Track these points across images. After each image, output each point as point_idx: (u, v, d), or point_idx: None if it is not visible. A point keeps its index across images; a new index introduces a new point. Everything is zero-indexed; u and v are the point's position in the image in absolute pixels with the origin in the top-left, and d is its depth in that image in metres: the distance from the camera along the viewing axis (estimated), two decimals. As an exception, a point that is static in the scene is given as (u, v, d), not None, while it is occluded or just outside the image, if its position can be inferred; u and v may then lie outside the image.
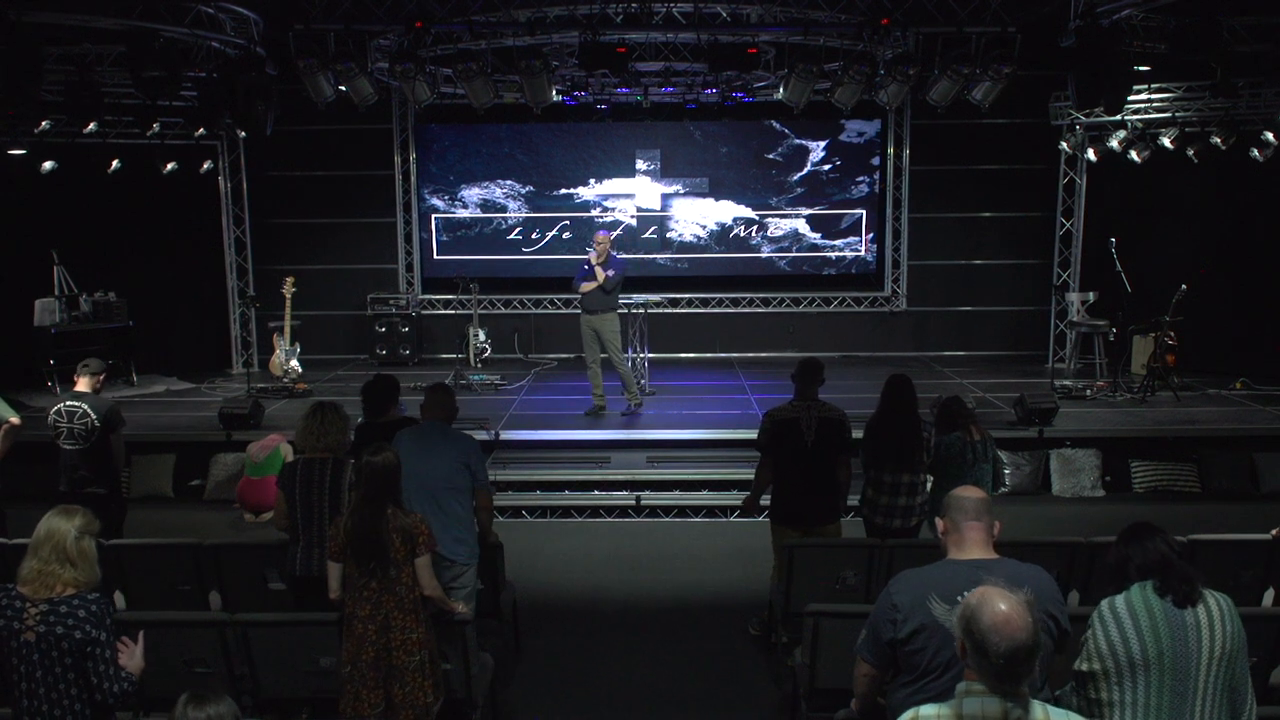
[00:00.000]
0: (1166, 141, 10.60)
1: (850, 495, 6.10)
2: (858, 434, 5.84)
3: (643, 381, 10.35)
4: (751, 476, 8.35)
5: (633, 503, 8.60)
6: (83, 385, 6.19)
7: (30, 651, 3.25)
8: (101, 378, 6.33)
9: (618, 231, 12.88)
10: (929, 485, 5.89)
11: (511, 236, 13.27)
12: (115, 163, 11.39)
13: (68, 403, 6.09)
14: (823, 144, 13.06)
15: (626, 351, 10.05)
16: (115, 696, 3.32)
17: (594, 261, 9.51)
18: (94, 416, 6.05)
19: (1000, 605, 2.44)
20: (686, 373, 12.16)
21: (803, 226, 13.23)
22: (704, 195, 13.18)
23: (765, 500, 6.07)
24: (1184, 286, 10.20)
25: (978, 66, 9.21)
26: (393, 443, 4.98)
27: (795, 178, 13.15)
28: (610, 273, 9.49)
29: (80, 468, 6.07)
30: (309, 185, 12.95)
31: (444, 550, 4.87)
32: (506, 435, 9.14)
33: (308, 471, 4.81)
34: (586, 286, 9.59)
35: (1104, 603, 3.17)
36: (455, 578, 4.93)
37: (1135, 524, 3.29)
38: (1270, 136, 10.08)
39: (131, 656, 3.48)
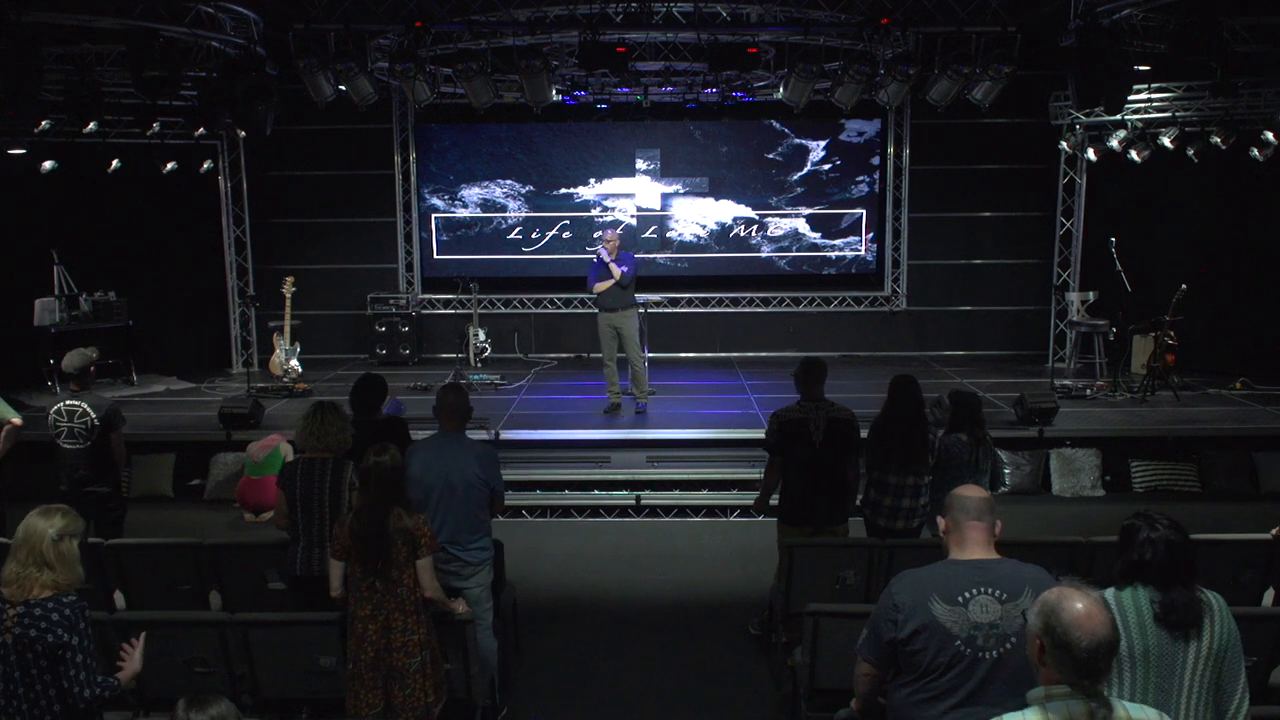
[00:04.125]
0: (1166, 141, 10.60)
1: (851, 495, 6.10)
2: (864, 434, 5.83)
3: (624, 383, 10.33)
4: (751, 476, 8.46)
5: (633, 503, 8.59)
6: (76, 386, 6.17)
7: (8, 653, 3.26)
8: (91, 370, 6.27)
9: (620, 229, 12.86)
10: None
11: (511, 236, 13.27)
12: (115, 163, 11.39)
13: (68, 402, 6.08)
14: (823, 144, 13.06)
15: (643, 350, 10.09)
16: (86, 701, 3.31)
17: (605, 258, 9.53)
18: (93, 416, 6.04)
19: (1078, 603, 2.47)
20: (686, 373, 12.16)
21: (803, 226, 13.23)
22: (704, 195, 13.18)
23: (774, 501, 6.05)
24: (1184, 286, 10.19)
25: (978, 66, 9.21)
26: (409, 453, 5.01)
27: (795, 177, 13.15)
28: (624, 269, 9.51)
29: (80, 467, 6.07)
30: (309, 185, 12.94)
31: (460, 552, 4.93)
32: (506, 435, 9.14)
33: (308, 471, 4.81)
34: (601, 286, 9.62)
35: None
36: (470, 576, 4.99)
37: (1149, 516, 3.18)
38: (1270, 136, 10.08)
39: (130, 659, 3.48)
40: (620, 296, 9.62)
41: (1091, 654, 2.41)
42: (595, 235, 12.98)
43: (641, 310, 10.02)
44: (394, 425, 5.79)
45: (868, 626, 3.34)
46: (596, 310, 9.90)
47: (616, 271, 9.48)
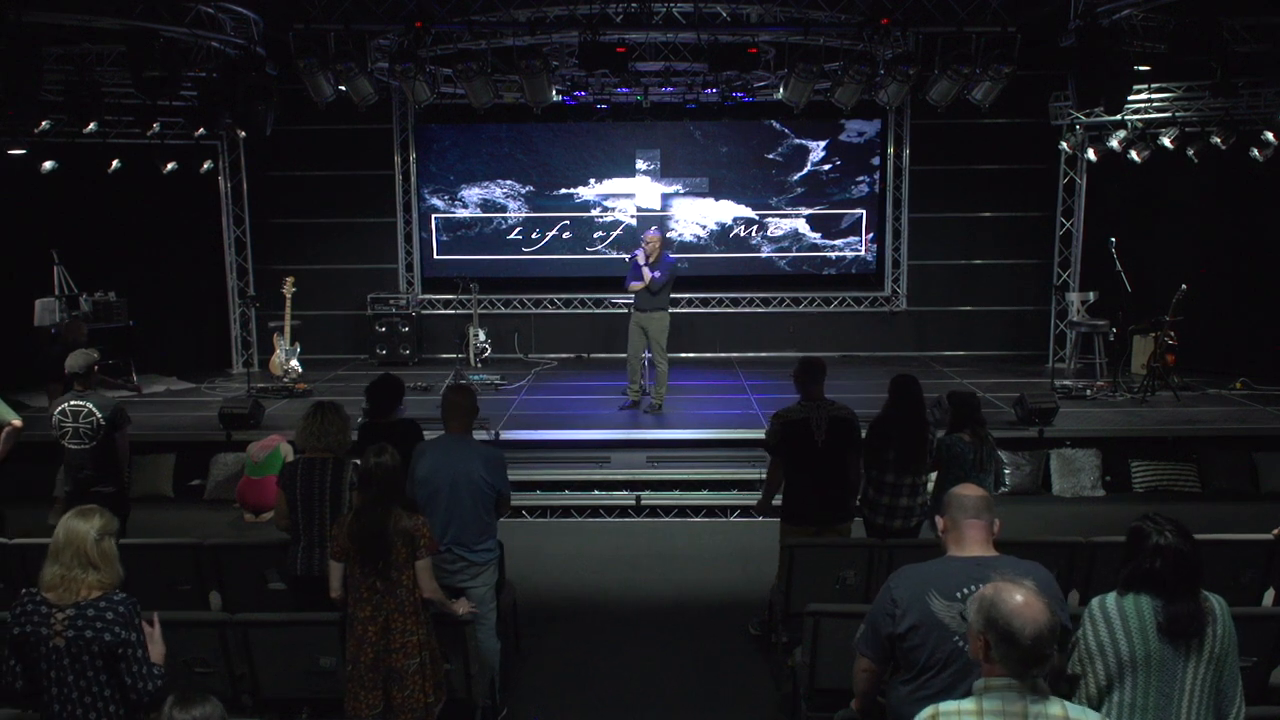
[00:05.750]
0: (1166, 141, 10.59)
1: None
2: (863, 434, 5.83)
3: (644, 382, 10.36)
4: (751, 476, 8.46)
5: (633, 503, 8.59)
6: (80, 386, 6.17)
7: (60, 656, 3.25)
8: (95, 370, 6.26)
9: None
10: (929, 486, 5.88)
11: (511, 236, 13.26)
12: (115, 163, 11.39)
13: (73, 402, 6.06)
14: (823, 144, 13.06)
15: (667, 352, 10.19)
16: (149, 695, 3.33)
17: (641, 261, 9.63)
18: (99, 415, 6.03)
19: (1017, 595, 2.50)
20: (686, 372, 12.15)
21: (803, 226, 13.22)
22: (704, 195, 13.18)
23: (777, 501, 6.05)
24: (1184, 286, 10.20)
25: (978, 66, 9.21)
26: (416, 453, 5.00)
27: (795, 178, 13.15)
28: (656, 274, 9.60)
29: (85, 467, 6.05)
30: (309, 185, 12.94)
31: (466, 553, 4.93)
32: (506, 435, 9.15)
33: (308, 471, 4.81)
34: (634, 286, 9.78)
35: (1095, 601, 3.16)
36: (475, 575, 4.99)
37: (1158, 523, 3.15)
38: (1270, 136, 10.07)
39: (154, 641, 3.49)
40: (650, 299, 9.76)
41: (1035, 642, 2.44)
42: (604, 234, 13.04)
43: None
44: (409, 428, 5.74)
45: (866, 621, 3.35)
46: (631, 308, 10.06)
47: (647, 276, 9.59)
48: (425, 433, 5.66)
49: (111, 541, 3.39)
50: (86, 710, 3.27)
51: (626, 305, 10.24)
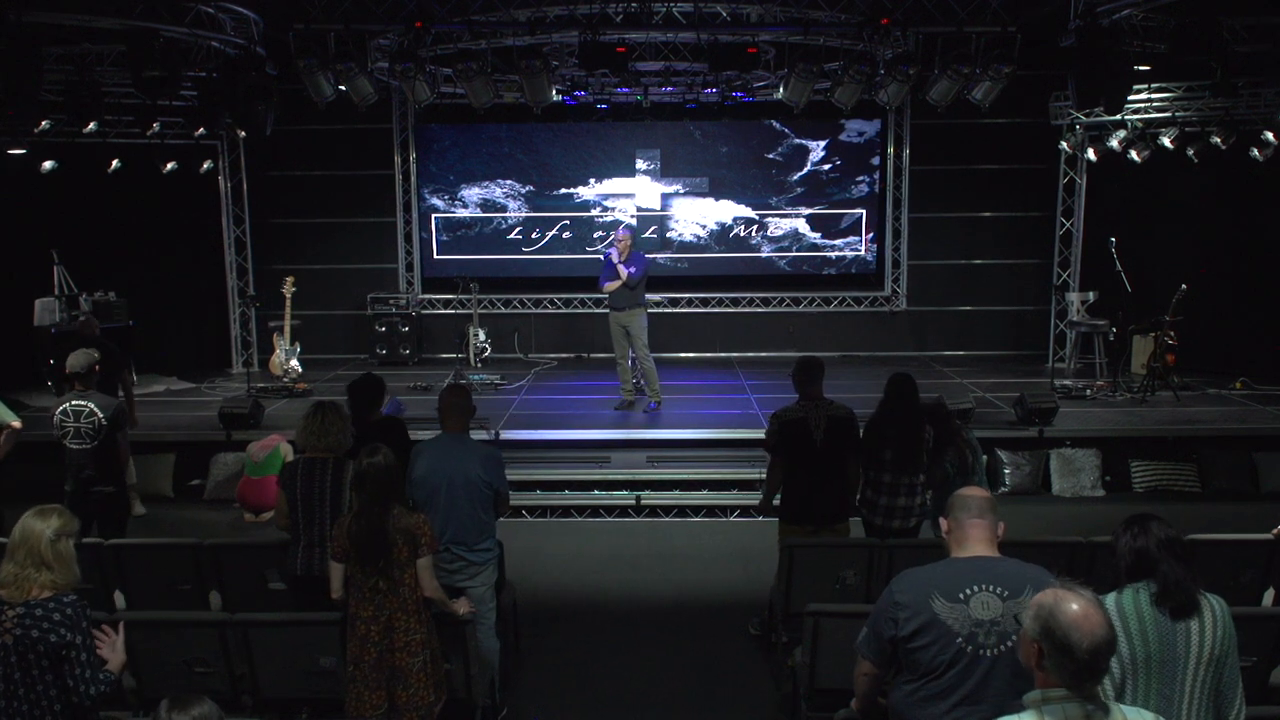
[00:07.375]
0: (1166, 141, 10.59)
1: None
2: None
3: (641, 381, 10.36)
4: (751, 476, 8.46)
5: (633, 503, 8.59)
6: (81, 386, 6.17)
7: (8, 654, 3.26)
8: (95, 370, 6.28)
9: (629, 230, 12.85)
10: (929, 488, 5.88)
11: (511, 236, 13.26)
12: (115, 163, 11.38)
13: (74, 402, 6.06)
14: (823, 144, 13.06)
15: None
16: (91, 698, 3.33)
17: (615, 259, 9.64)
18: (101, 415, 6.03)
19: (1074, 604, 2.45)
20: (686, 372, 12.15)
21: (803, 226, 13.22)
22: (704, 195, 13.18)
23: (776, 501, 6.05)
24: (1184, 286, 10.19)
25: (978, 66, 9.22)
26: (414, 453, 5.01)
27: (795, 177, 13.15)
28: (631, 270, 9.59)
29: (87, 467, 6.05)
30: (309, 185, 12.95)
31: (464, 552, 4.93)
32: (506, 435, 9.15)
33: (308, 471, 4.81)
34: (610, 285, 9.77)
35: None
36: (474, 575, 4.99)
37: (1138, 516, 3.23)
38: (1270, 136, 10.06)
39: (113, 649, 3.49)
40: (628, 297, 9.74)
41: (1092, 654, 2.39)
42: (605, 234, 13.04)
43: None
44: (392, 426, 5.78)
45: (868, 624, 3.35)
46: (608, 309, 10.03)
47: (623, 273, 9.59)
48: (424, 433, 5.66)
49: (68, 542, 3.39)
50: (31, 708, 3.28)
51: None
